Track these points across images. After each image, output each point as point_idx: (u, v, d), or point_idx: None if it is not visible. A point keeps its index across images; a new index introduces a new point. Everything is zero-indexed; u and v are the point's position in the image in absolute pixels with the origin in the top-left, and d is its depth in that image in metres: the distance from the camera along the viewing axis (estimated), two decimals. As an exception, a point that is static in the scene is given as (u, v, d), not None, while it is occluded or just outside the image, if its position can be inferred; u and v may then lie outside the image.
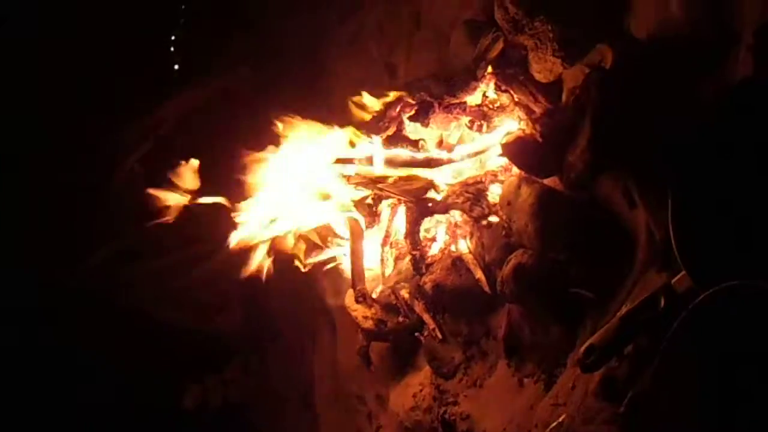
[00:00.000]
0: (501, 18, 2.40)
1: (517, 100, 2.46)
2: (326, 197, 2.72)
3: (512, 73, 2.47)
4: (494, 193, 2.55)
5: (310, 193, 2.73)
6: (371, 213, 2.73)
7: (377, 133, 2.62)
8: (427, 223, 2.68)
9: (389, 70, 3.45)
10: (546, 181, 2.29)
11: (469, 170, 2.62)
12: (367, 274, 2.92)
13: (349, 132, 2.72)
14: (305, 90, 4.08)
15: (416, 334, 2.75)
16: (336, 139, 2.68)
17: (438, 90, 2.56)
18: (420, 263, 2.61)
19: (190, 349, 4.02)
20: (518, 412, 2.30)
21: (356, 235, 2.70)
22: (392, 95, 2.71)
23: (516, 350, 2.41)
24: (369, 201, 2.67)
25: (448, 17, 3.00)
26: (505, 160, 2.49)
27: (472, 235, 2.56)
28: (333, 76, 3.99)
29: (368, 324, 2.85)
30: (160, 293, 3.89)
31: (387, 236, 2.71)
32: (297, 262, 2.99)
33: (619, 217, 2.09)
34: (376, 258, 2.78)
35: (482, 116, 2.54)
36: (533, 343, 2.34)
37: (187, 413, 4.02)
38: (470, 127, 2.56)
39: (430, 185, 2.57)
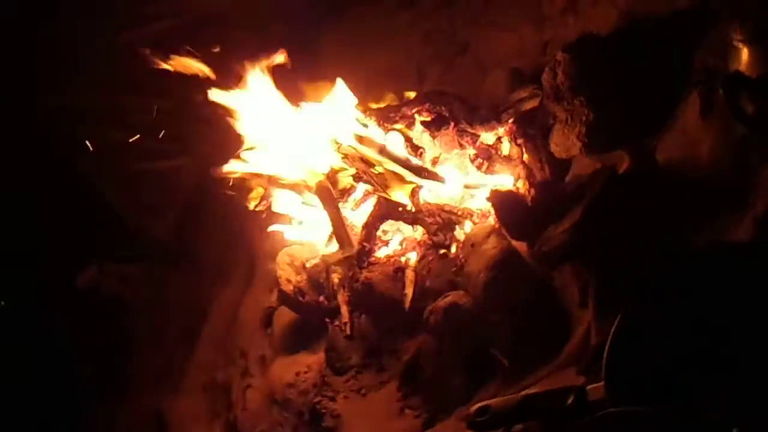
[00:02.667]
0: (547, 80, 2.41)
1: (525, 159, 2.48)
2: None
3: (532, 133, 2.50)
4: (462, 229, 2.57)
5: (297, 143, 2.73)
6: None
7: (387, 122, 2.63)
8: (388, 225, 2.68)
9: (419, 75, 3.45)
10: (514, 242, 2.32)
11: (450, 198, 2.64)
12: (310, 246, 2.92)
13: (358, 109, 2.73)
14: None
15: (327, 319, 2.74)
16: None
17: (459, 112, 2.57)
18: (364, 257, 2.60)
19: (110, 232, 3.90)
20: (386, 436, 2.31)
21: (326, 200, 2.67)
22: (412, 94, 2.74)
23: (412, 379, 2.42)
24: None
25: (497, 57, 3.02)
26: (487, 206, 2.50)
27: (424, 256, 2.57)
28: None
29: (288, 287, 2.84)
30: (113, 168, 3.79)
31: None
32: (249, 202, 2.97)
33: (564, 307, 2.13)
34: (327, 233, 2.78)
35: (487, 156, 2.57)
36: (431, 381, 2.36)
37: (77, 291, 3.88)
38: (472, 161, 2.57)
39: (415, 192, 2.57)
